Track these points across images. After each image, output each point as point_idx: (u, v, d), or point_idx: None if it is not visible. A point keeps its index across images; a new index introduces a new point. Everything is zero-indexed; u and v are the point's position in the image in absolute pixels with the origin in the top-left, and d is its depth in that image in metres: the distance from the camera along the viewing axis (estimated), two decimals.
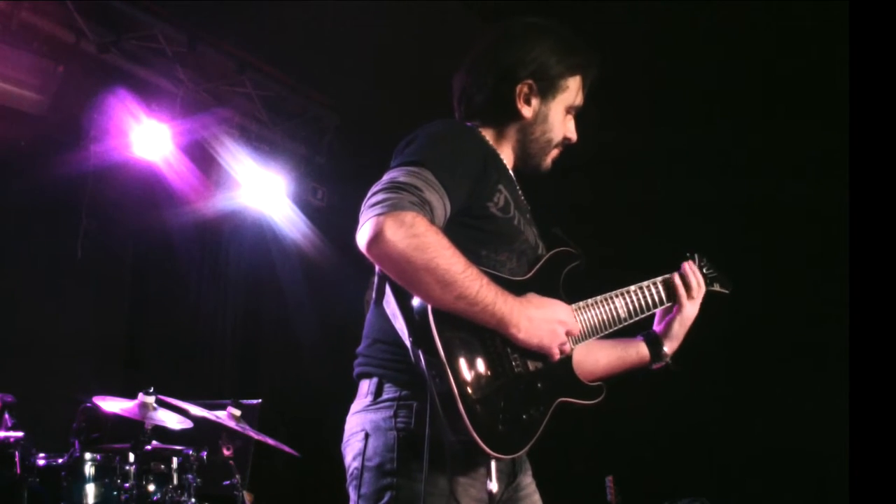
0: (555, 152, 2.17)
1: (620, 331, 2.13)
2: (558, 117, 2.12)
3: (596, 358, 2.16)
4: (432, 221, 1.71)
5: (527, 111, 2.08)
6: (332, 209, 6.53)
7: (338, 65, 5.67)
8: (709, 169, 5.52)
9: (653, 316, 2.26)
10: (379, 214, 1.66)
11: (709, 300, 2.39)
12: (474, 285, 1.71)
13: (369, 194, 1.74)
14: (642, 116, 5.44)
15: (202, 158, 5.92)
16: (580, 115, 2.21)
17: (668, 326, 2.25)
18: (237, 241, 6.71)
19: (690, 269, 2.27)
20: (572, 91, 2.13)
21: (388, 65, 5.49)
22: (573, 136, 2.17)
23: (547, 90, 2.09)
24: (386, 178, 1.78)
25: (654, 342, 2.25)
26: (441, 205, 1.77)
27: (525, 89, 2.07)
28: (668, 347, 2.24)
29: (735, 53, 5.02)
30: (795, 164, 5.27)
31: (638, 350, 2.25)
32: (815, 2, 4.43)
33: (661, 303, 2.23)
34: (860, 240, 2.00)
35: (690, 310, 2.24)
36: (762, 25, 4.85)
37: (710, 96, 5.30)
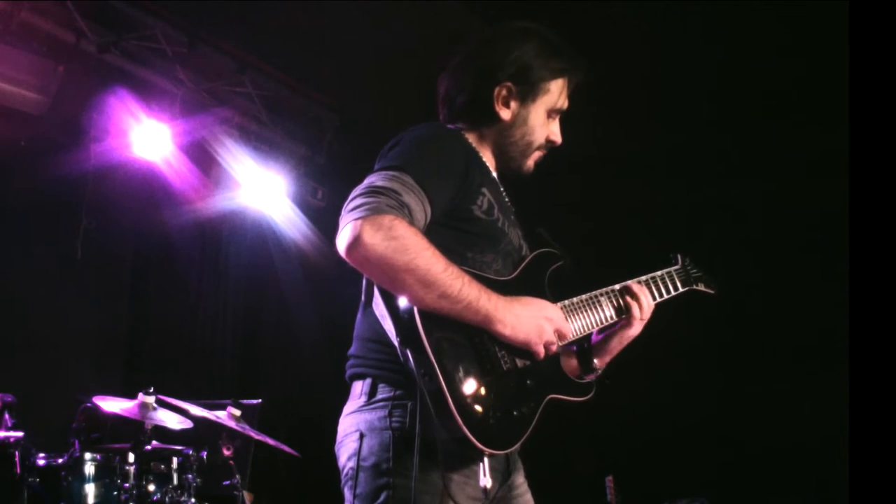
0: (537, 155, 2.16)
1: None
2: (539, 120, 2.11)
3: None
4: (411, 224, 1.72)
5: (505, 113, 2.08)
6: (332, 209, 6.51)
7: (338, 65, 5.67)
8: (709, 169, 5.52)
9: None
10: (357, 219, 1.68)
11: (707, 302, 2.39)
12: (456, 283, 1.72)
13: (349, 199, 1.75)
14: (639, 116, 5.43)
15: (202, 158, 5.93)
16: (571, 116, 2.20)
17: (606, 340, 2.20)
18: (237, 241, 6.71)
19: (639, 288, 2.19)
20: (554, 94, 2.11)
21: (388, 65, 5.48)
22: (557, 139, 2.16)
23: (527, 93, 2.08)
24: (365, 182, 1.79)
25: (585, 355, 2.20)
26: (421, 208, 1.78)
27: (504, 92, 2.06)
28: (599, 361, 2.19)
29: (735, 53, 5.02)
30: (795, 165, 5.26)
31: (567, 362, 2.20)
32: (815, 2, 4.43)
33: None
34: (860, 240, 2.00)
35: (636, 328, 2.18)
36: (762, 25, 4.85)
37: (710, 96, 5.30)
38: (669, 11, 4.81)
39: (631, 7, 4.85)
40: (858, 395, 1.93)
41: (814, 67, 4.81)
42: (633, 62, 4.96)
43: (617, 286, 2.18)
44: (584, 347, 2.22)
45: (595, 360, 2.19)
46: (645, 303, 2.17)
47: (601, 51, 2.19)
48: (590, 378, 2.15)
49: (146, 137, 5.47)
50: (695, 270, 2.41)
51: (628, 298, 2.17)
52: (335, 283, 5.78)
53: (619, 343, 2.20)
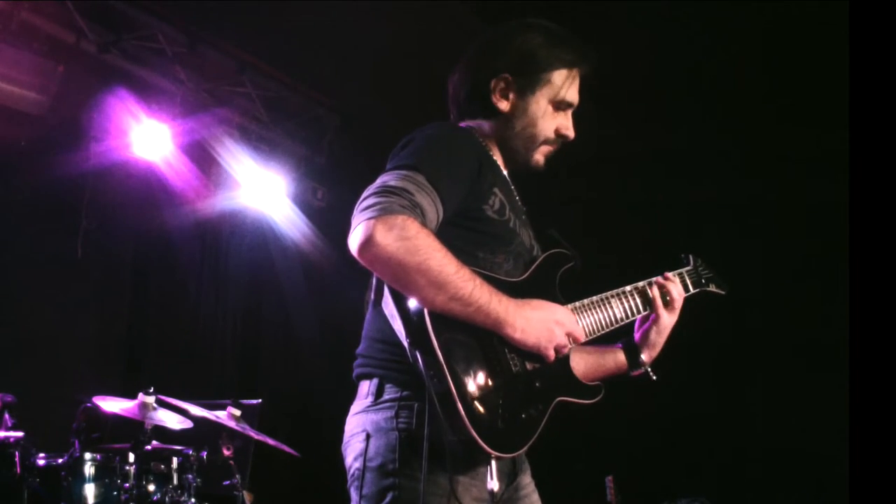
0: (545, 149, 2.13)
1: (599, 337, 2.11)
2: (540, 111, 2.07)
3: (572, 365, 2.09)
4: (423, 224, 1.71)
5: (504, 105, 2.06)
6: (332, 209, 6.53)
7: (338, 65, 5.67)
8: (709, 169, 5.52)
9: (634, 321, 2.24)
10: (369, 218, 1.66)
11: (708, 300, 2.39)
12: (468, 286, 1.71)
13: (361, 198, 1.74)
14: (641, 116, 5.43)
15: (202, 158, 5.93)
16: (578, 114, 2.18)
17: (646, 334, 2.22)
18: (237, 241, 6.71)
19: (669, 278, 2.24)
20: (556, 85, 2.07)
21: (389, 64, 5.49)
22: (569, 132, 2.12)
23: (525, 84, 2.06)
24: (378, 181, 1.78)
25: (632, 350, 2.21)
26: (433, 208, 1.77)
27: (501, 84, 2.06)
28: (646, 356, 2.21)
29: (735, 53, 5.02)
30: (795, 165, 5.27)
31: (615, 358, 2.22)
32: (815, 2, 4.43)
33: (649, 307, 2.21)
34: (860, 240, 2.00)
35: (668, 319, 2.20)
36: (762, 25, 4.85)
37: (710, 96, 5.30)
38: (669, 11, 4.81)
39: (630, 7, 4.85)
40: (859, 396, 1.93)
41: (814, 67, 4.81)
42: (633, 62, 4.95)
43: (628, 287, 2.18)
44: (629, 344, 2.22)
45: (642, 356, 2.20)
46: (674, 292, 2.21)
47: (601, 50, 2.17)
48: (637, 374, 2.20)
49: (146, 137, 5.47)
50: (706, 271, 2.41)
51: (661, 282, 2.21)
52: (335, 283, 5.80)
53: (657, 335, 2.20)
